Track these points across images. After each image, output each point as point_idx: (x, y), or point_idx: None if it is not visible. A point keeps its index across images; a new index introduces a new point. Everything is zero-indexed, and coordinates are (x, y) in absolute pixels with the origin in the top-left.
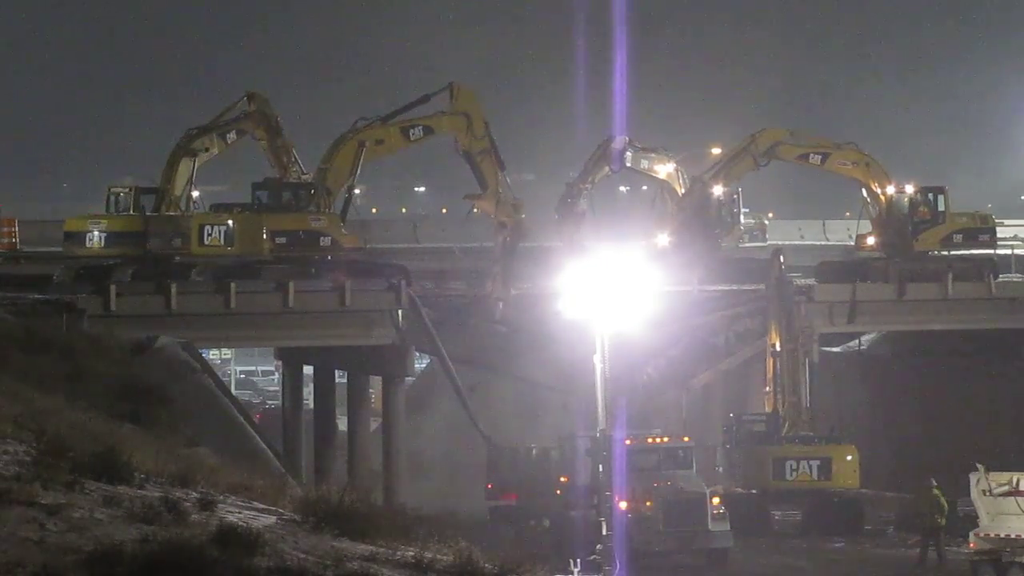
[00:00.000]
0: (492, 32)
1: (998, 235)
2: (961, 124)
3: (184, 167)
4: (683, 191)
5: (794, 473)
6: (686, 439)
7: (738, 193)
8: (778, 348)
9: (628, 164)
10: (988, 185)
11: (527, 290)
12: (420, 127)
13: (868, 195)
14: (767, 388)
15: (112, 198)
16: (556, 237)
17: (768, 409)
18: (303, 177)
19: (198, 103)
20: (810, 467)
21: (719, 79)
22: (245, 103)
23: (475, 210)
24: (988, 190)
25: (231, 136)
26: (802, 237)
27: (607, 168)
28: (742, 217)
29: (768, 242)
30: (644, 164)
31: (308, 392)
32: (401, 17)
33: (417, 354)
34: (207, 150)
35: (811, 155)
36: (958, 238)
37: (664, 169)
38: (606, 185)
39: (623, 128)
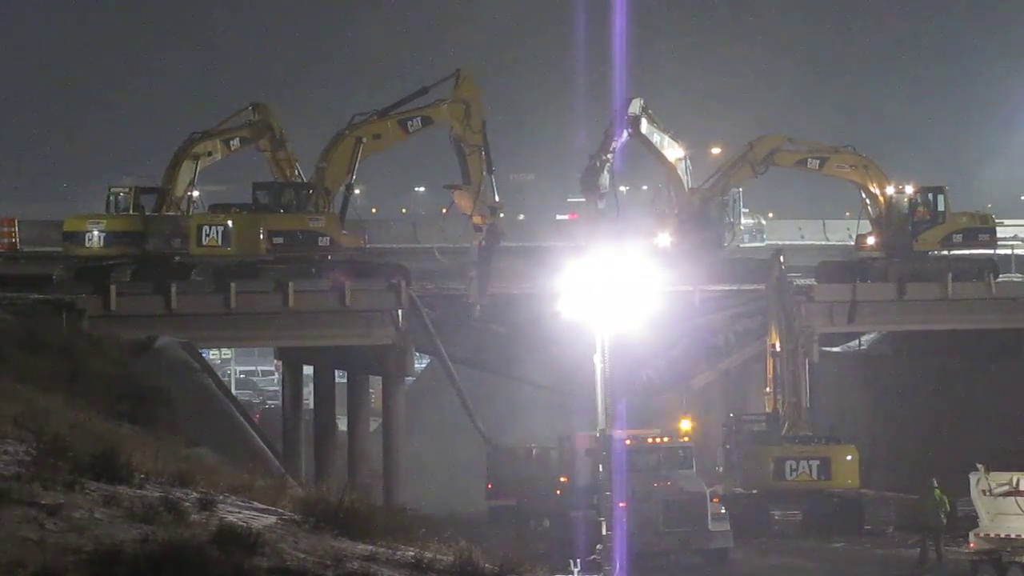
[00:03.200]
0: (492, 32)
1: (998, 235)
2: (966, 122)
3: (186, 169)
4: (687, 185)
5: (794, 473)
6: (686, 439)
7: (738, 193)
8: (778, 348)
9: (643, 131)
10: (988, 184)
11: (526, 290)
12: (418, 118)
13: (867, 197)
14: (767, 388)
15: (112, 198)
16: (556, 236)
17: (768, 409)
18: None
19: (199, 102)
20: (810, 467)
21: (721, 77)
22: (250, 112)
23: (452, 202)
24: (989, 189)
25: (234, 143)
26: (802, 237)
27: (626, 133)
28: (742, 217)
29: (766, 242)
30: (656, 139)
31: (308, 392)
32: (400, 17)
33: (417, 354)
34: (210, 154)
35: (809, 160)
36: (958, 238)
37: (674, 153)
38: None
39: (624, 96)
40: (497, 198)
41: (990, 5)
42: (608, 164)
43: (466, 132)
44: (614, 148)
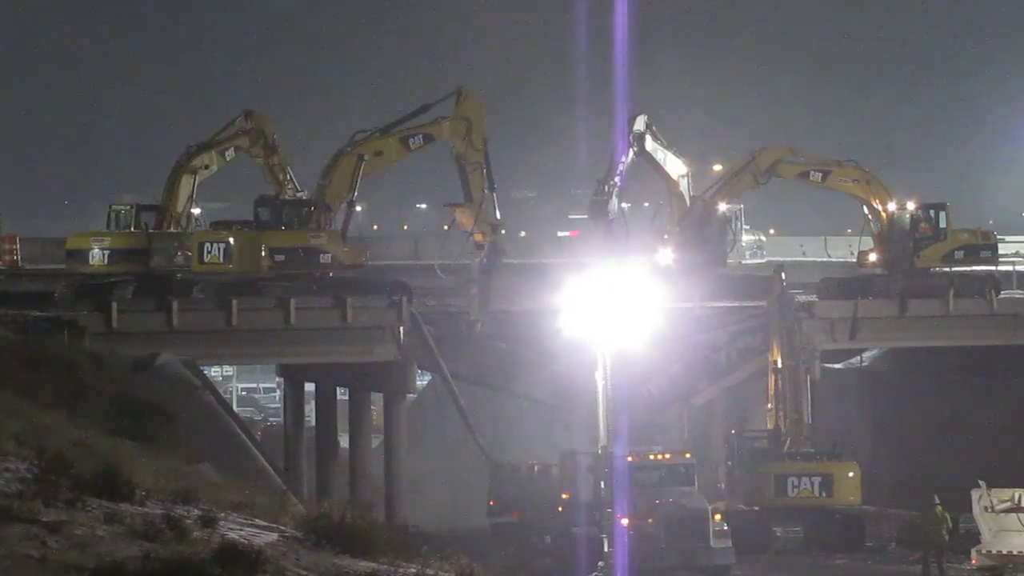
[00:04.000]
0: (493, 50)
1: (999, 251)
2: (966, 139)
3: (185, 184)
4: (688, 202)
5: (796, 490)
6: (688, 456)
7: (740, 211)
8: (780, 365)
9: (647, 148)
10: (989, 200)
11: (528, 307)
12: (420, 135)
13: (869, 212)
14: (769, 405)
15: (113, 215)
16: (558, 253)
17: (770, 426)
18: (298, 195)
19: (200, 121)
20: (812, 484)
21: (723, 94)
22: (243, 120)
23: (454, 219)
24: (989, 205)
25: (230, 153)
26: (804, 254)
27: (632, 153)
28: (744, 234)
29: (766, 258)
30: (660, 156)
31: (310, 409)
32: (401, 33)
33: (418, 371)
34: (207, 167)
35: (812, 173)
36: (960, 254)
37: (676, 169)
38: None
39: (625, 120)
40: (498, 215)
41: (994, 24)
42: (616, 189)
43: (468, 150)
44: (621, 172)
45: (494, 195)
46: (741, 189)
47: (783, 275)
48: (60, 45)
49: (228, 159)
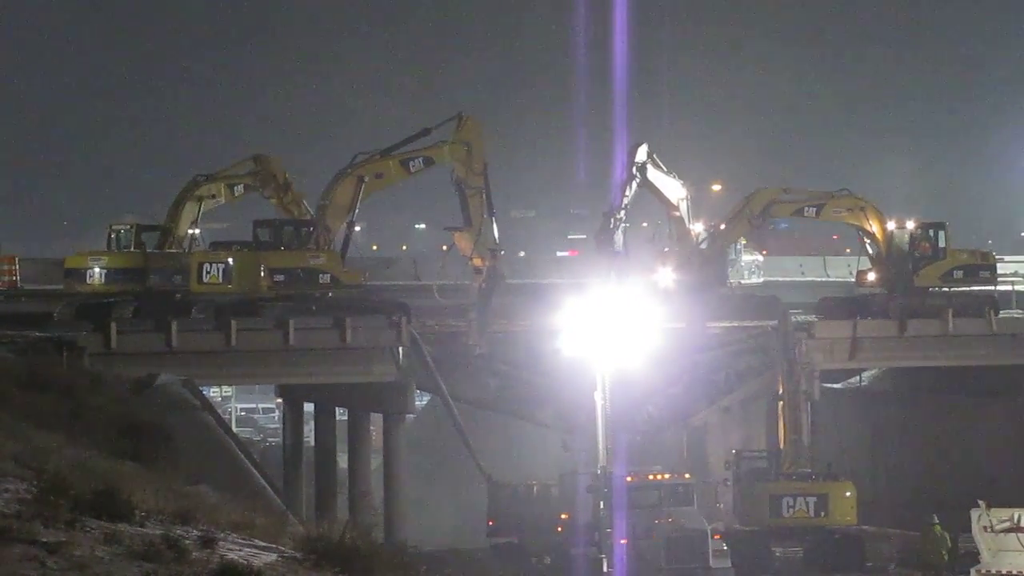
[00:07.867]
0: (493, 71)
1: (998, 271)
2: (965, 158)
3: (189, 209)
4: (688, 223)
5: (791, 510)
6: (687, 476)
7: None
8: (780, 391)
9: (649, 177)
10: (988, 220)
11: (527, 327)
12: (420, 158)
13: (866, 237)
14: (768, 425)
15: (113, 236)
16: (556, 274)
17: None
18: None
19: (200, 141)
20: (807, 504)
21: (722, 114)
22: (252, 163)
23: (454, 243)
24: (988, 225)
25: (238, 189)
26: (803, 274)
27: (636, 183)
28: (742, 254)
29: (763, 279)
30: (660, 183)
31: (309, 429)
32: (402, 56)
33: (417, 392)
34: (213, 197)
35: (806, 209)
36: (959, 274)
37: (676, 193)
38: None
39: (625, 138)
40: (497, 239)
41: (993, 56)
42: (622, 222)
43: (468, 174)
44: (626, 206)
45: (493, 219)
46: (738, 235)
47: (788, 312)
48: (62, 67)
49: (236, 195)
